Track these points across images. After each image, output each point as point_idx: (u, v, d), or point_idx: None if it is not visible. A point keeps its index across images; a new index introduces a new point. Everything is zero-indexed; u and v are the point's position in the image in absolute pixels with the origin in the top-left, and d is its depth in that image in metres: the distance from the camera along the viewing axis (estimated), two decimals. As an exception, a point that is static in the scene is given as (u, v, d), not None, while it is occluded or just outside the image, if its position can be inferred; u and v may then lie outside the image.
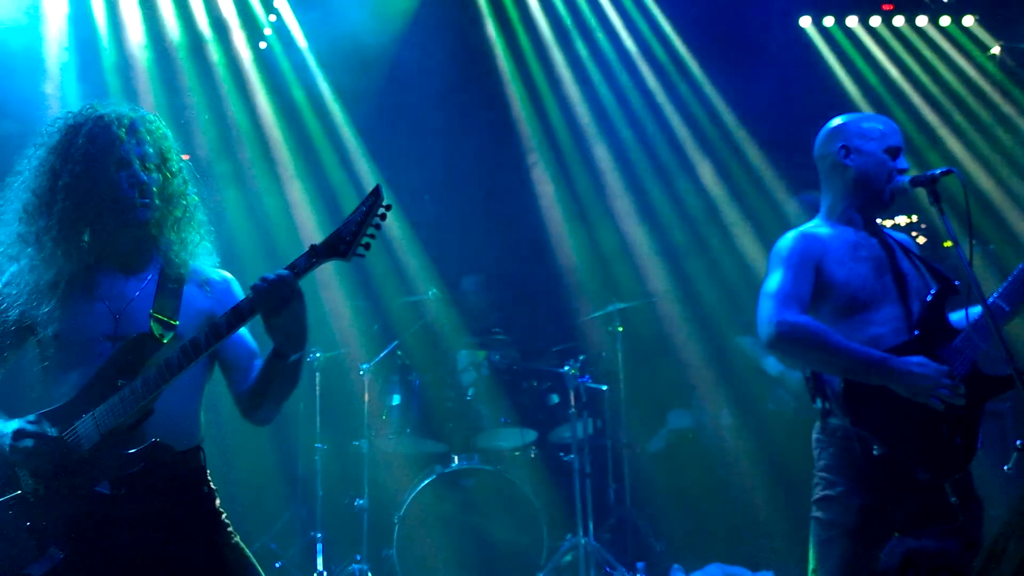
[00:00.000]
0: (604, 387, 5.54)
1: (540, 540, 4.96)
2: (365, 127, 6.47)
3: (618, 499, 5.57)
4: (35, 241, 2.42)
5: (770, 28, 6.71)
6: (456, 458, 5.15)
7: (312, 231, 6.03)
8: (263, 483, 5.64)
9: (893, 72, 6.83)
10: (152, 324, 2.39)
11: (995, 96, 6.78)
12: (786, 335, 2.79)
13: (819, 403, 2.92)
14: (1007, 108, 6.75)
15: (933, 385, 2.71)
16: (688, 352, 6.32)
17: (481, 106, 6.61)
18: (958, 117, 6.78)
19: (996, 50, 6.81)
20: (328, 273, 6.04)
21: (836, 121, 3.09)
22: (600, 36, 6.70)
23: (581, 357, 5.43)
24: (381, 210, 2.27)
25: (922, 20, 6.89)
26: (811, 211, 5.01)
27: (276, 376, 2.37)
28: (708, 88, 6.81)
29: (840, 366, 2.80)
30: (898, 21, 6.90)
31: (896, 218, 5.40)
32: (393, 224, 6.40)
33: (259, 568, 2.47)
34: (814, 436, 2.96)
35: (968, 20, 6.88)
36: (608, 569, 4.95)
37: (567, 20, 6.65)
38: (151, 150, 2.46)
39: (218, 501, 2.50)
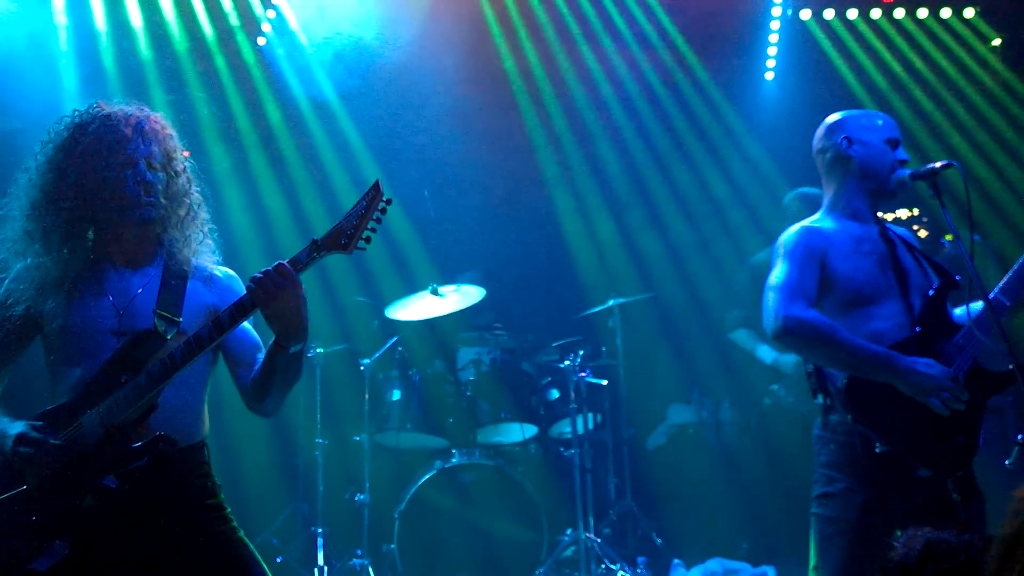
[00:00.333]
0: (604, 382, 5.53)
1: (540, 535, 4.97)
2: (365, 123, 6.46)
3: (618, 494, 5.58)
4: (42, 238, 2.45)
5: (770, 21, 6.70)
6: (456, 453, 5.15)
7: (314, 228, 6.03)
8: (264, 478, 5.64)
9: (894, 65, 6.81)
10: (155, 320, 2.41)
11: (996, 88, 6.77)
12: (793, 330, 2.81)
13: (821, 399, 2.92)
14: (1008, 101, 6.74)
15: (937, 387, 2.72)
16: (688, 347, 6.32)
17: (481, 101, 6.59)
18: (959, 110, 6.77)
19: (997, 42, 6.80)
20: (329, 269, 6.04)
21: (834, 117, 3.11)
22: (602, 34, 6.68)
23: (581, 352, 5.42)
24: (381, 204, 2.28)
25: (923, 13, 6.87)
26: (807, 207, 5.00)
27: (278, 368, 2.37)
28: (708, 83, 6.80)
29: (845, 362, 2.80)
30: (899, 14, 6.88)
31: (897, 211, 5.39)
32: (393, 219, 6.39)
33: (262, 562, 2.48)
34: (815, 432, 2.96)
35: (969, 12, 6.86)
36: (608, 564, 4.95)
37: (569, 21, 6.64)
38: (157, 149, 2.48)
39: (222, 496, 2.51)
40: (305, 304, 2.30)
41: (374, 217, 2.28)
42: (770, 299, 2.88)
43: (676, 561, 5.27)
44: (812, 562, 2.94)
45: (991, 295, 2.80)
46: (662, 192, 6.76)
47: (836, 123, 3.08)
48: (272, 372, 2.38)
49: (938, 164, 2.86)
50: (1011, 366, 2.57)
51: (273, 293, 2.24)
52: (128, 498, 2.32)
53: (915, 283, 2.95)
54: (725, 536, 5.48)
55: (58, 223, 2.44)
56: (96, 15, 5.77)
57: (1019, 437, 2.46)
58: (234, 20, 6.16)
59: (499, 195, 6.64)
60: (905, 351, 2.79)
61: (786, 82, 6.82)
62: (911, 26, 6.88)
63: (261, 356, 2.48)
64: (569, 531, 5.13)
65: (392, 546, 4.90)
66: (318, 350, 5.28)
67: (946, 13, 6.84)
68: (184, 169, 2.56)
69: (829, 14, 6.86)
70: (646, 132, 6.78)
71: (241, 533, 2.49)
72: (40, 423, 2.35)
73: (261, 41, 6.32)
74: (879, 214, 3.09)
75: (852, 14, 6.87)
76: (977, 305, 2.84)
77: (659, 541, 5.40)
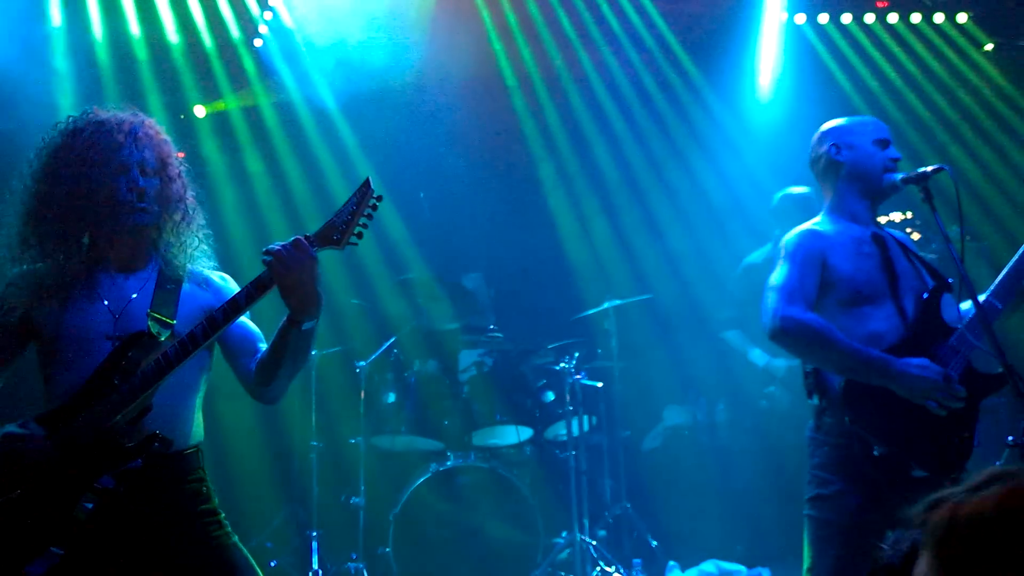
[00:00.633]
0: (600, 384, 5.54)
1: (536, 537, 4.97)
2: (361, 126, 6.47)
3: (614, 496, 5.58)
4: (37, 243, 2.45)
5: (764, 25, 6.72)
6: (452, 456, 5.15)
7: (309, 230, 6.02)
8: (258, 482, 5.63)
9: (888, 69, 6.84)
10: (150, 323, 2.42)
11: (989, 93, 6.80)
12: (791, 331, 2.84)
13: (816, 400, 2.94)
14: (1001, 105, 6.77)
15: (932, 388, 2.74)
16: (684, 349, 6.33)
17: (476, 104, 6.61)
18: (952, 114, 6.80)
19: (990, 47, 6.83)
20: (324, 270, 6.02)
21: (824, 126, 3.18)
22: (598, 39, 6.71)
23: (576, 354, 5.43)
24: (372, 201, 2.29)
25: (916, 17, 6.91)
26: (795, 206, 5.04)
27: (290, 345, 2.36)
28: (703, 87, 6.82)
29: (842, 365, 2.83)
30: (892, 18, 6.92)
31: (890, 214, 5.42)
32: (389, 222, 6.40)
33: (256, 567, 2.49)
34: (808, 434, 2.98)
35: (962, 17, 6.89)
36: (604, 566, 4.96)
37: (565, 25, 6.66)
38: (150, 155, 2.48)
39: (216, 500, 2.52)
40: (319, 279, 2.31)
41: (365, 213, 2.29)
42: (770, 299, 2.92)
43: (672, 563, 5.28)
44: (806, 564, 2.95)
45: (983, 298, 2.82)
46: (658, 195, 6.78)
47: (824, 132, 3.16)
48: (283, 351, 2.37)
49: (929, 168, 2.90)
50: (1000, 368, 2.59)
51: (290, 266, 2.25)
52: (122, 503, 2.32)
53: (911, 286, 2.98)
54: (720, 538, 5.49)
55: (53, 229, 2.44)
56: (92, 16, 5.77)
57: (1009, 439, 2.48)
58: (231, 22, 6.16)
59: (495, 198, 6.65)
60: (900, 353, 2.81)
61: (780, 86, 6.85)
62: (904, 31, 6.91)
63: (263, 347, 2.49)
64: (564, 533, 5.13)
65: (387, 549, 4.90)
66: (313, 352, 5.27)
67: (939, 18, 6.88)
68: (179, 174, 2.56)
69: (823, 18, 6.89)
70: (641, 135, 6.80)
71: (235, 538, 2.49)
72: (32, 424, 2.35)
73: (258, 43, 6.34)
74: (878, 217, 3.13)
75: (846, 18, 6.90)
76: (967, 305, 2.87)
77: (655, 543, 5.40)
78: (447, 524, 5.08)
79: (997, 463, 2.68)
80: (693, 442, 6.13)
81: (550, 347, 5.74)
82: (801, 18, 6.87)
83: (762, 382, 5.39)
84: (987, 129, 6.77)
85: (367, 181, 2.30)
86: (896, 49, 6.87)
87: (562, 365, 5.33)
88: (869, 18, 6.90)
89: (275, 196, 6.27)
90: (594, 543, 5.06)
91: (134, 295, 2.47)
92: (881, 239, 3.04)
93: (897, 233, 3.16)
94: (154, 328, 2.41)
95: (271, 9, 6.27)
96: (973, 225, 6.14)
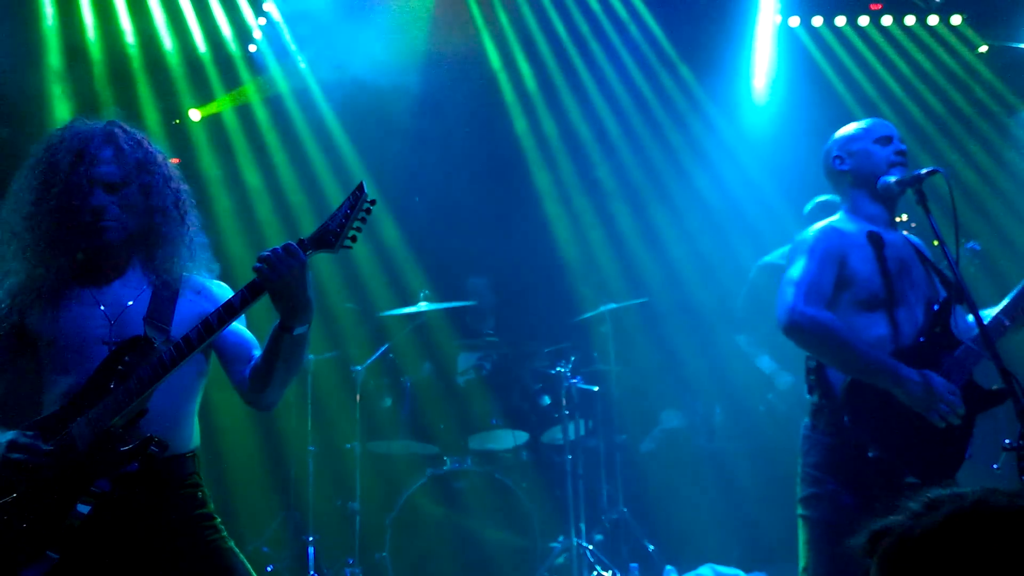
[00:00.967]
0: (596, 388, 5.54)
1: (533, 542, 4.96)
2: (357, 131, 6.46)
3: (611, 500, 5.57)
4: (31, 254, 2.45)
5: (759, 28, 6.73)
6: (448, 460, 5.14)
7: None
8: (255, 487, 5.62)
9: (882, 71, 6.85)
10: (146, 328, 2.42)
11: (983, 94, 6.82)
12: (806, 327, 2.86)
13: (816, 397, 2.95)
14: (995, 106, 6.79)
15: (937, 399, 2.76)
16: (680, 352, 6.33)
17: (474, 110, 6.61)
18: (946, 115, 6.81)
19: (984, 49, 6.85)
20: (320, 276, 6.03)
21: (833, 136, 3.21)
22: (593, 43, 6.71)
23: (573, 358, 5.43)
24: (366, 205, 2.29)
25: (910, 19, 6.92)
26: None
27: (282, 351, 2.35)
28: (697, 90, 6.82)
29: (851, 366, 2.85)
30: (886, 20, 6.93)
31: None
32: (385, 227, 6.40)
33: (252, 572, 2.48)
34: (803, 432, 2.99)
35: (956, 19, 6.91)
36: (601, 571, 4.95)
37: (559, 29, 6.66)
38: (114, 168, 2.43)
39: (212, 505, 2.51)
40: (310, 285, 2.30)
41: (359, 217, 2.28)
42: (788, 293, 2.93)
43: (669, 568, 5.27)
44: (801, 563, 2.95)
45: (993, 314, 2.87)
46: (653, 198, 6.78)
47: (828, 144, 3.19)
48: (276, 356, 2.36)
49: (924, 170, 2.91)
50: (1004, 385, 2.61)
51: (280, 271, 2.25)
52: (118, 508, 2.32)
53: (924, 293, 3.01)
54: (718, 542, 5.48)
55: (38, 244, 2.43)
56: (86, 19, 5.76)
57: (1006, 442, 2.49)
58: (225, 27, 6.15)
59: (492, 202, 6.65)
60: (907, 360, 2.83)
61: (775, 88, 6.85)
62: (899, 33, 6.92)
63: (258, 353, 2.48)
64: (561, 538, 5.12)
65: (384, 554, 4.88)
66: (309, 357, 5.27)
67: (933, 20, 6.89)
68: (164, 180, 2.51)
69: (817, 21, 6.90)
70: (637, 140, 6.80)
71: (231, 543, 2.48)
72: (31, 431, 2.35)
73: (252, 48, 6.33)
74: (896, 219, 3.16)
75: (840, 21, 6.91)
76: (974, 314, 2.88)
77: (651, 547, 5.39)
78: (443, 529, 5.07)
79: (995, 466, 2.69)
80: (690, 446, 6.12)
81: (546, 351, 5.73)
82: (795, 21, 6.88)
83: (762, 387, 5.39)
84: (981, 131, 6.79)
85: (360, 185, 2.30)
86: (890, 51, 6.88)
87: (559, 369, 5.32)
88: (863, 20, 6.91)
89: (271, 201, 6.26)
90: (591, 547, 5.06)
91: (130, 302, 2.47)
92: (902, 244, 3.06)
93: (915, 239, 3.19)
94: (150, 333, 2.41)
95: (265, 15, 6.27)
96: (968, 228, 6.15)
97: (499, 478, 5.07)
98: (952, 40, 6.90)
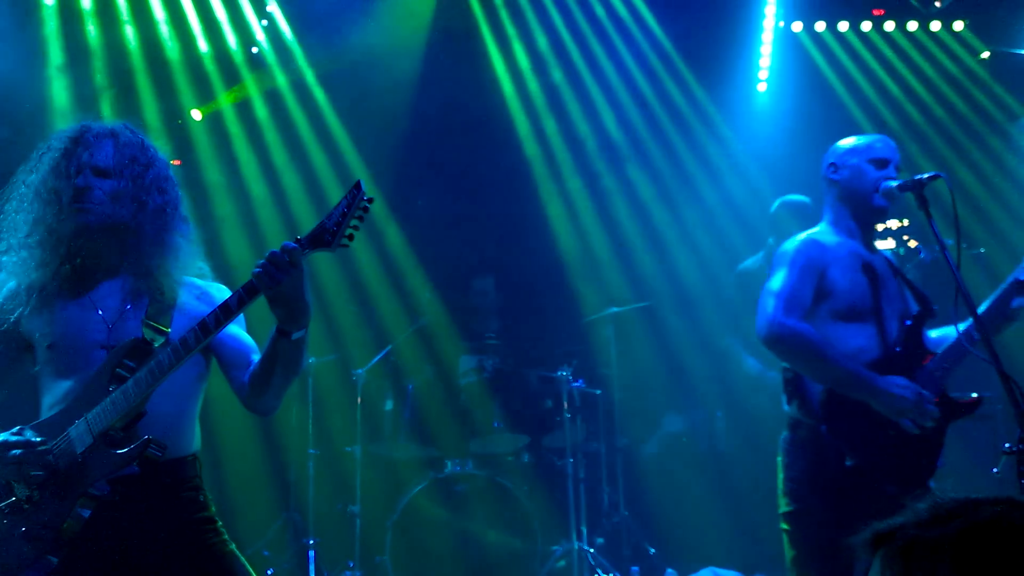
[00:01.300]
0: (598, 391, 5.54)
1: (534, 545, 4.97)
2: (360, 133, 6.47)
3: (612, 503, 5.57)
4: (29, 257, 2.45)
5: (762, 33, 6.74)
6: (449, 463, 5.14)
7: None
8: (255, 490, 5.62)
9: (884, 76, 6.86)
10: (144, 331, 2.41)
11: (985, 100, 6.82)
12: (785, 338, 2.90)
13: (794, 408, 2.98)
14: (996, 112, 6.79)
15: (910, 407, 2.81)
16: (682, 356, 6.33)
17: (476, 113, 6.61)
18: (948, 121, 6.82)
19: (986, 55, 6.85)
20: (321, 278, 6.04)
21: (834, 145, 3.23)
22: (595, 46, 6.72)
23: (574, 361, 5.43)
24: (363, 203, 2.28)
25: (913, 25, 6.93)
26: (793, 214, 5.07)
27: (280, 356, 2.35)
28: (700, 95, 6.83)
29: (828, 377, 2.89)
30: (889, 26, 6.93)
31: (888, 222, 5.42)
32: (387, 227, 6.40)
33: (253, 575, 2.47)
34: (782, 445, 3.02)
35: (958, 25, 6.91)
36: (602, 573, 4.95)
37: (562, 31, 6.67)
38: (103, 155, 2.44)
39: (213, 508, 2.51)
40: (306, 287, 2.29)
41: (356, 215, 2.27)
42: (767, 304, 2.96)
43: (670, 571, 5.27)
44: None
45: (962, 329, 2.88)
46: (655, 202, 6.78)
47: (829, 151, 3.22)
48: (274, 361, 2.36)
49: (925, 175, 2.92)
50: (978, 395, 2.63)
51: (275, 276, 2.24)
52: (118, 511, 2.31)
53: (896, 308, 3.06)
54: (718, 545, 5.48)
55: (40, 243, 2.44)
56: (88, 21, 5.78)
57: (1006, 446, 2.49)
58: (227, 29, 6.17)
59: (494, 205, 6.66)
60: (884, 370, 2.89)
61: (777, 94, 6.86)
62: (901, 39, 6.93)
63: (256, 358, 2.47)
64: (563, 541, 5.12)
65: (384, 557, 4.89)
66: (310, 360, 5.27)
67: (936, 26, 6.90)
68: (155, 177, 2.49)
69: (820, 26, 6.91)
70: (639, 144, 6.81)
71: (232, 546, 2.48)
72: (28, 432, 2.34)
73: (254, 50, 6.35)
74: (875, 229, 3.17)
75: (843, 26, 6.92)
76: (950, 331, 2.93)
77: (652, 550, 5.39)
78: (444, 532, 5.07)
79: (994, 470, 2.70)
80: (691, 449, 6.12)
81: (548, 354, 5.73)
82: (798, 26, 6.89)
83: (752, 390, 5.40)
84: (983, 136, 6.79)
85: (358, 183, 2.30)
86: (893, 57, 6.89)
87: (560, 372, 5.33)
88: (866, 26, 6.92)
89: (271, 201, 6.27)
90: (592, 551, 5.05)
91: (128, 305, 2.47)
92: (877, 258, 3.11)
93: (887, 252, 3.24)
94: (148, 335, 2.40)
95: (268, 16, 6.29)
96: (969, 233, 6.15)
97: (500, 481, 5.07)
98: (954, 46, 6.91)
